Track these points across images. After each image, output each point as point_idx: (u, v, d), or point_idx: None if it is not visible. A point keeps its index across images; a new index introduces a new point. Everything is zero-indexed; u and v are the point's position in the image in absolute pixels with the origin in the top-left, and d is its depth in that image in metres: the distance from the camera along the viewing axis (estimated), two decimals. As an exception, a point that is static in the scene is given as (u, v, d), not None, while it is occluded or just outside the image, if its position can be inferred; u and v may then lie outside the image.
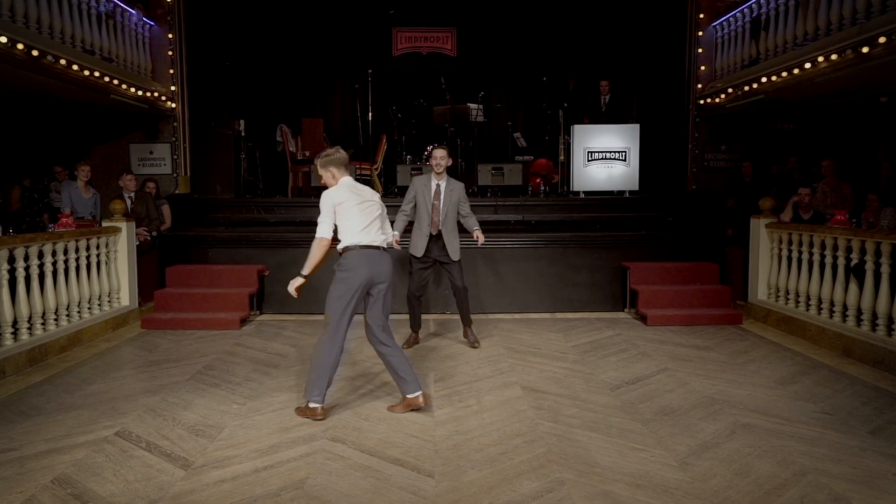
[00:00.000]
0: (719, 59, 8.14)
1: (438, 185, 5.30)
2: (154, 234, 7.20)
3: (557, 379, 4.59)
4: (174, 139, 8.31)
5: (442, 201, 5.26)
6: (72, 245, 5.66)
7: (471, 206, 5.48)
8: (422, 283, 5.43)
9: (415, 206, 5.34)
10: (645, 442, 3.45)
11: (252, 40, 9.76)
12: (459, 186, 5.41)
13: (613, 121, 8.64)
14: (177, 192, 8.22)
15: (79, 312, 5.77)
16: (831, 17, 5.92)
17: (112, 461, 3.24)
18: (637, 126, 8.21)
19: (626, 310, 7.05)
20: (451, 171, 8.70)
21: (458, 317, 6.83)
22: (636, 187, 8.08)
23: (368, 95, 8.66)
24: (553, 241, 7.08)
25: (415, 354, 5.33)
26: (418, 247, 5.30)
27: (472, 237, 5.38)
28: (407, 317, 5.65)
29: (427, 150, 9.47)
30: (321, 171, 3.90)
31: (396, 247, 5.06)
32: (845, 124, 8.30)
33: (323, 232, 3.79)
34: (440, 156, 5.25)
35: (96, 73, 6.48)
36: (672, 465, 3.16)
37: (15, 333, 4.99)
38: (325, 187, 3.92)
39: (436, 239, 5.31)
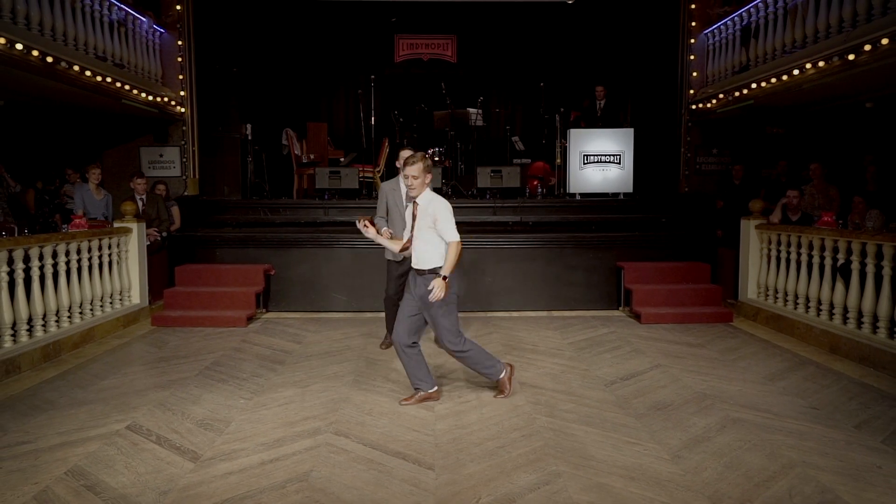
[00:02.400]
0: (711, 66, 8.23)
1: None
2: (164, 234, 7.30)
3: (554, 375, 4.67)
4: (183, 143, 8.42)
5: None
6: (84, 245, 5.78)
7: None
8: (400, 286, 5.15)
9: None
10: (638, 436, 3.52)
11: (259, 47, 9.88)
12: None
13: (608, 125, 8.77)
14: (186, 193, 8.32)
15: (91, 310, 5.88)
16: (819, 26, 6.01)
17: (123, 454, 3.31)
18: (631, 130, 8.37)
19: (620, 308, 7.17)
20: (453, 174, 8.94)
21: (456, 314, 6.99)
22: (630, 189, 8.24)
23: (371, 100, 8.81)
24: (550, 241, 7.20)
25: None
26: (395, 249, 5.12)
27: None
28: (383, 315, 5.66)
29: (427, 154, 9.61)
30: (426, 173, 3.89)
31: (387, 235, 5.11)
32: (832, 129, 8.40)
33: (456, 235, 3.91)
34: (406, 156, 5.13)
35: (108, 79, 6.59)
36: (665, 459, 3.22)
37: (30, 330, 5.10)
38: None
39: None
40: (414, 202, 3.97)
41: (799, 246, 5.99)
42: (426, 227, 3.90)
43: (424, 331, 4.20)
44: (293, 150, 9.14)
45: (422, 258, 3.96)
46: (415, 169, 3.85)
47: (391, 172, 9.27)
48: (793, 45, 6.47)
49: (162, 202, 7.48)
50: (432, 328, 4.07)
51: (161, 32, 8.10)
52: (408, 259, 5.10)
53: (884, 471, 3.10)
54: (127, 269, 6.53)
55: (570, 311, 7.08)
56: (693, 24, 8.46)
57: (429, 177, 3.96)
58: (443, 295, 3.82)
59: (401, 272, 5.19)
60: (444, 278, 3.84)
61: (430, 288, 3.83)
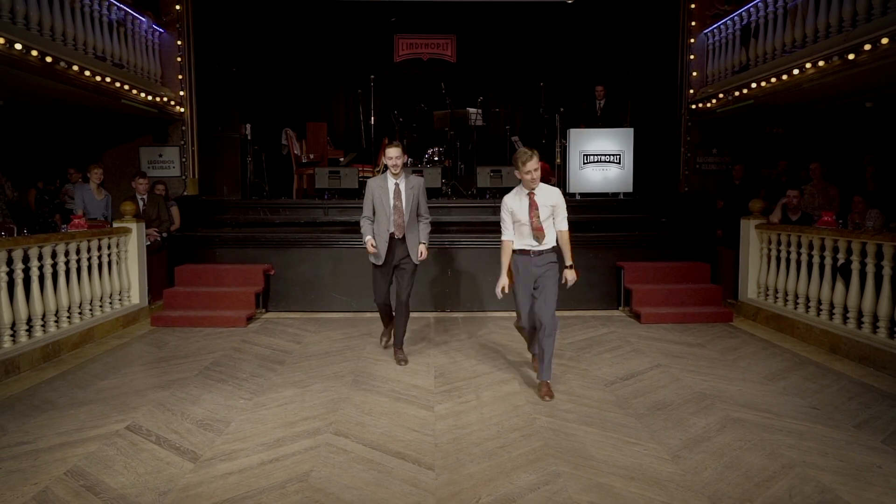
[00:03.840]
0: (711, 66, 8.24)
1: (398, 185, 4.82)
2: (164, 234, 7.30)
3: (554, 375, 4.63)
4: (183, 142, 8.43)
5: (404, 201, 4.83)
6: (84, 245, 5.78)
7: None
8: (387, 291, 5.05)
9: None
10: (638, 436, 3.52)
11: (258, 47, 9.87)
12: (419, 182, 4.95)
13: (608, 125, 8.77)
14: (185, 193, 8.32)
15: (91, 310, 5.88)
16: (819, 25, 6.01)
17: (123, 454, 3.32)
18: (631, 130, 8.36)
19: (620, 308, 7.17)
20: (452, 174, 8.95)
21: (456, 314, 7.00)
22: (630, 189, 8.24)
23: (371, 100, 8.82)
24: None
25: (415, 351, 5.41)
26: (380, 253, 4.87)
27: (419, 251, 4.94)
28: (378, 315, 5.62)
29: (427, 154, 9.62)
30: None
31: (371, 249, 4.88)
32: (832, 128, 8.40)
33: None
34: (395, 155, 4.74)
35: (108, 79, 6.60)
36: (665, 459, 3.23)
37: (29, 330, 5.10)
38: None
39: (399, 242, 4.89)
40: (531, 193, 4.27)
41: (799, 246, 6.00)
42: (547, 215, 4.30)
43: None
44: (293, 149, 9.14)
45: (549, 243, 4.35)
46: (535, 162, 4.19)
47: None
48: (793, 45, 6.48)
49: (162, 202, 7.48)
50: (545, 303, 4.31)
51: (160, 32, 8.10)
52: (391, 263, 4.92)
53: (884, 471, 3.10)
54: (126, 269, 6.54)
55: (569, 311, 7.06)
56: (693, 23, 8.47)
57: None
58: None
59: (388, 278, 5.04)
60: (572, 267, 4.36)
61: (563, 282, 4.37)
